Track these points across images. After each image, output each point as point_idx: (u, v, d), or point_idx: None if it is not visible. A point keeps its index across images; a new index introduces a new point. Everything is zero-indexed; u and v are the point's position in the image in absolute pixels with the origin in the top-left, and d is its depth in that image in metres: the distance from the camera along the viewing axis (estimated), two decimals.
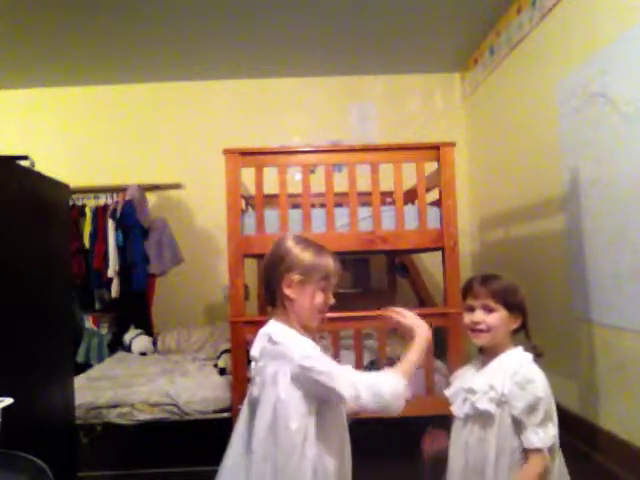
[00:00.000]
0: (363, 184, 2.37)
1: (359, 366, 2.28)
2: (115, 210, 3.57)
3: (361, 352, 2.28)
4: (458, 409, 1.27)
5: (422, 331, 1.19)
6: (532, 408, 1.14)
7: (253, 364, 1.18)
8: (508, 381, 1.17)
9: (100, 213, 3.60)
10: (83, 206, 3.64)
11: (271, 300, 1.19)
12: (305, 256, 1.16)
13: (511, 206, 3.29)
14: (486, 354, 1.30)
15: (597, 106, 2.26)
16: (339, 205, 2.46)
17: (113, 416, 2.42)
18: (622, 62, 2.09)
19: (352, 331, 2.32)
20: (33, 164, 1.96)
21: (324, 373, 1.06)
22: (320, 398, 1.09)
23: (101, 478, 2.32)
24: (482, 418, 1.21)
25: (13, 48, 3.42)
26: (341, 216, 2.35)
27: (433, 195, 2.48)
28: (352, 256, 3.96)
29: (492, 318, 1.24)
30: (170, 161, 4.10)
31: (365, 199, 2.43)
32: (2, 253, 1.62)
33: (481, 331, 1.25)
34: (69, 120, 4.12)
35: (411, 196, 2.57)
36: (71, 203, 3.41)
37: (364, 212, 2.36)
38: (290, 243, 1.19)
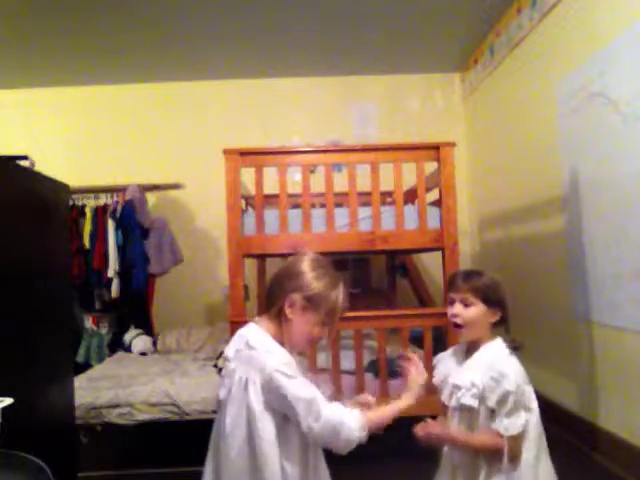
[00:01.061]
0: (363, 184, 2.37)
1: (359, 366, 2.28)
2: (115, 210, 3.57)
3: (361, 352, 2.28)
4: (447, 399, 1.32)
5: (413, 394, 1.21)
6: (502, 400, 1.19)
7: (225, 363, 1.17)
8: (485, 376, 1.22)
9: (100, 213, 3.60)
10: (83, 206, 3.64)
11: (268, 307, 1.18)
12: (317, 285, 1.13)
13: (511, 206, 3.29)
14: (468, 346, 1.35)
15: (597, 106, 2.26)
16: (339, 205, 2.46)
17: (113, 416, 2.42)
18: (622, 62, 2.09)
19: (352, 331, 2.32)
20: (33, 164, 1.96)
21: (290, 394, 1.04)
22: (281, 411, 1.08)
23: (101, 478, 2.32)
24: (467, 411, 1.26)
25: (13, 48, 3.42)
26: (341, 216, 2.35)
27: (433, 195, 2.48)
28: (352, 256, 3.96)
29: (469, 312, 1.29)
30: (170, 161, 4.10)
31: (365, 199, 2.43)
32: (2, 253, 1.62)
33: (458, 326, 1.30)
34: (69, 120, 4.13)
35: (411, 196, 2.57)
36: (71, 203, 3.41)
37: (364, 212, 2.36)
38: (306, 265, 1.15)
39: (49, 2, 2.86)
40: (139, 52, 3.60)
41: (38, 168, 1.96)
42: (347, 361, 2.31)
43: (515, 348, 1.30)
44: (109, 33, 3.27)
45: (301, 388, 1.05)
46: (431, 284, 3.75)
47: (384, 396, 2.26)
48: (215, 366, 2.85)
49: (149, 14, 3.05)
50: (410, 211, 2.38)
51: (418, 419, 1.34)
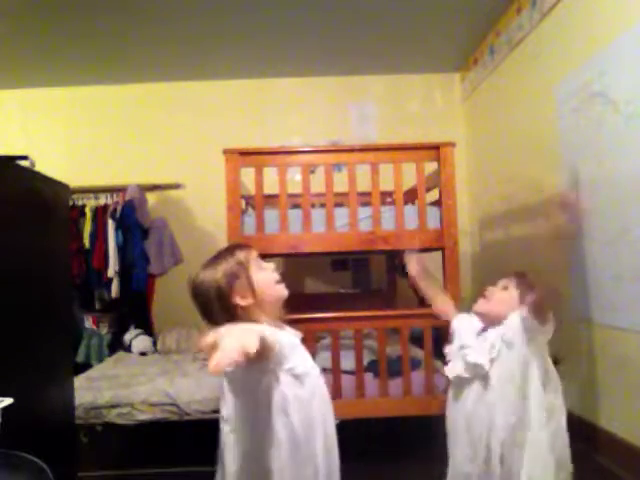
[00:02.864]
0: (363, 184, 2.37)
1: (359, 366, 2.28)
2: (115, 210, 3.57)
3: (361, 352, 2.28)
4: (452, 369, 1.35)
5: None
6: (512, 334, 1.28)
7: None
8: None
9: (100, 213, 3.60)
10: (83, 206, 3.64)
11: (213, 323, 1.17)
12: (221, 271, 1.15)
13: (511, 206, 3.29)
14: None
15: (597, 106, 2.26)
16: (339, 205, 2.46)
17: (113, 416, 2.42)
18: (622, 62, 2.09)
19: (352, 331, 2.32)
20: (33, 164, 1.96)
21: None
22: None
23: (101, 478, 2.31)
24: (477, 377, 1.28)
25: (13, 48, 3.42)
26: (341, 216, 2.35)
27: (433, 195, 2.47)
28: (352, 256, 3.96)
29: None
30: (170, 161, 4.09)
31: (365, 199, 2.42)
32: (2, 253, 1.62)
33: None
34: (69, 120, 4.12)
35: (411, 196, 2.57)
36: (71, 203, 3.41)
37: (364, 212, 2.36)
38: (202, 276, 1.17)
39: (49, 2, 2.86)
40: (139, 52, 3.60)
41: (38, 168, 1.96)
42: (347, 361, 2.31)
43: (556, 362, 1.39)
44: (109, 33, 3.27)
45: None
46: None
47: (384, 396, 2.27)
48: None
49: (149, 14, 3.05)
50: (410, 211, 2.38)
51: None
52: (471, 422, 1.29)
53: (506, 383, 1.25)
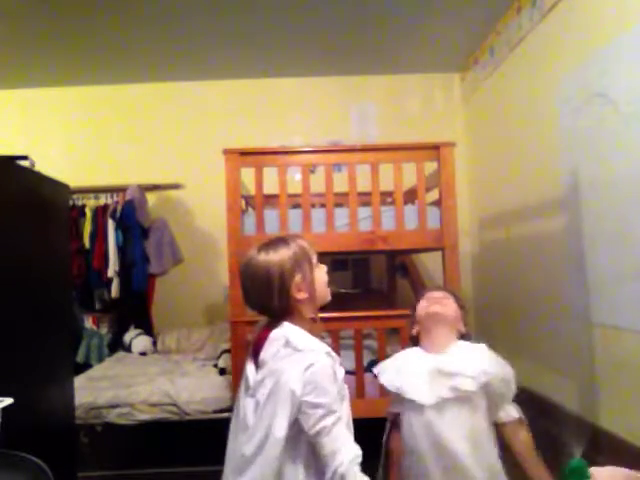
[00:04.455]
0: (363, 184, 2.37)
1: (359, 366, 2.28)
2: (115, 210, 3.57)
3: (361, 352, 2.28)
4: (428, 395, 1.27)
5: None
6: (508, 384, 1.27)
7: (253, 369, 1.14)
8: (485, 362, 1.28)
9: (100, 213, 3.60)
10: (83, 206, 3.64)
11: (271, 314, 1.15)
12: (284, 257, 1.12)
13: (511, 206, 3.29)
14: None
15: (597, 106, 2.26)
16: (339, 205, 2.46)
17: (113, 416, 2.42)
18: (622, 62, 2.09)
19: (352, 331, 2.32)
20: (33, 164, 1.96)
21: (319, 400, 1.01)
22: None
23: (101, 478, 2.32)
24: (458, 400, 1.26)
25: (13, 48, 3.42)
26: (341, 216, 2.35)
27: (433, 195, 2.47)
28: (352, 256, 3.96)
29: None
30: (170, 161, 4.09)
31: (365, 199, 2.43)
32: (2, 253, 1.62)
33: None
34: (69, 120, 4.12)
35: (411, 196, 2.57)
36: (71, 203, 3.41)
37: (364, 212, 2.36)
38: (264, 257, 1.12)
39: (49, 2, 2.86)
40: (139, 52, 3.60)
41: (38, 168, 1.96)
42: (347, 361, 2.31)
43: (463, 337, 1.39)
44: (109, 33, 3.27)
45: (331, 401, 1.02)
46: (431, 284, 3.75)
47: (384, 396, 2.26)
48: (215, 366, 2.85)
49: (149, 14, 3.05)
50: (410, 211, 2.38)
51: None
52: (441, 439, 1.27)
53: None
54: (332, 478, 0.98)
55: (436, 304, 1.40)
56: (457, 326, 1.40)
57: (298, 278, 1.11)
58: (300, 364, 1.04)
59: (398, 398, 1.35)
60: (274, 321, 1.14)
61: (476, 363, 1.26)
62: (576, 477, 0.87)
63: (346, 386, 1.12)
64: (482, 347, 1.34)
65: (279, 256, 1.12)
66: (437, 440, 1.26)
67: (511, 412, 1.29)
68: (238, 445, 1.08)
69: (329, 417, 1.00)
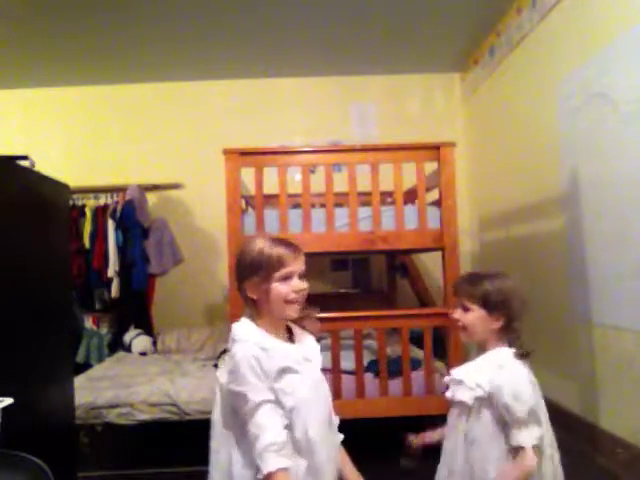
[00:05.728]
0: (363, 184, 2.37)
1: (359, 366, 2.28)
2: (115, 210, 3.57)
3: (361, 352, 2.28)
4: (449, 394, 1.32)
5: None
6: (508, 409, 1.15)
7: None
8: (491, 381, 1.19)
9: (100, 213, 3.60)
10: (83, 206, 3.64)
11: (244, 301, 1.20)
12: (251, 255, 1.14)
13: (511, 206, 3.29)
14: (478, 350, 1.33)
15: (597, 106, 2.26)
16: (339, 205, 2.46)
17: (113, 416, 2.42)
18: (622, 62, 2.09)
19: (352, 331, 2.32)
20: (33, 164, 1.96)
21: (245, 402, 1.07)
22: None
23: (101, 478, 2.31)
24: (460, 407, 1.26)
25: (13, 48, 3.42)
26: (341, 216, 2.35)
27: (433, 195, 2.47)
28: (352, 256, 3.96)
29: (467, 317, 1.28)
30: (170, 161, 4.10)
31: (365, 199, 2.42)
32: (2, 253, 1.62)
33: (460, 328, 1.31)
34: (69, 120, 4.12)
35: (411, 196, 2.57)
36: (71, 203, 3.41)
37: (364, 212, 2.36)
38: (241, 252, 1.17)
39: (49, 2, 2.86)
40: (139, 52, 3.60)
41: (38, 168, 1.96)
42: (347, 361, 2.31)
43: (522, 355, 1.24)
44: (109, 33, 3.27)
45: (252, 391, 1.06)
46: (431, 284, 3.75)
47: (384, 396, 2.27)
48: (215, 366, 2.85)
49: (148, 14, 3.05)
50: (410, 211, 2.38)
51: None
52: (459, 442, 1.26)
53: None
54: (256, 462, 1.04)
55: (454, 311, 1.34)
56: (481, 331, 1.28)
57: (254, 280, 1.13)
58: (229, 355, 1.11)
59: None
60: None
61: (481, 376, 1.22)
62: None
63: (303, 378, 1.12)
64: (508, 362, 1.23)
65: (249, 252, 1.15)
66: (450, 440, 1.29)
67: (514, 437, 1.15)
68: None
69: (249, 404, 1.05)
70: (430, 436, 1.35)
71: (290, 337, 1.21)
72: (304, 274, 1.17)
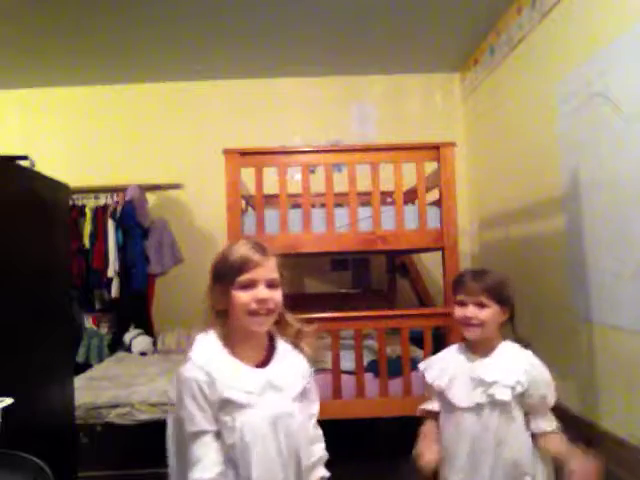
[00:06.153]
0: (363, 184, 2.37)
1: (359, 366, 2.28)
2: (115, 210, 3.57)
3: (361, 352, 2.28)
4: (465, 398, 1.26)
5: None
6: (544, 399, 1.22)
7: None
8: (526, 374, 1.23)
9: (100, 213, 3.61)
10: (83, 206, 3.64)
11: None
12: (217, 259, 1.09)
13: (511, 206, 3.29)
14: (475, 345, 1.32)
15: (597, 106, 2.26)
16: (339, 205, 2.46)
17: (113, 416, 2.42)
18: (622, 62, 2.09)
19: (352, 331, 2.32)
20: (33, 164, 1.96)
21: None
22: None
23: (101, 478, 2.31)
24: (497, 407, 1.23)
25: (13, 48, 3.42)
26: (341, 216, 2.35)
27: (433, 195, 2.47)
28: (352, 256, 3.96)
29: (485, 314, 1.27)
30: (170, 161, 4.10)
31: (365, 199, 2.43)
32: (2, 253, 1.62)
33: (474, 325, 1.28)
34: (69, 120, 4.12)
35: (411, 196, 2.57)
36: (71, 203, 3.41)
37: (364, 212, 2.36)
38: (219, 252, 1.12)
39: (49, 2, 2.86)
40: (139, 52, 3.60)
41: (38, 168, 1.96)
42: (347, 361, 2.31)
43: (527, 345, 1.29)
44: (109, 33, 3.27)
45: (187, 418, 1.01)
46: (431, 284, 3.75)
47: (384, 396, 2.27)
48: None
49: (149, 14, 3.05)
50: (410, 211, 2.38)
51: (420, 419, 1.34)
52: (477, 443, 1.25)
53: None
54: None
55: (466, 326, 1.30)
56: (493, 327, 1.29)
57: (218, 288, 1.08)
58: (177, 372, 1.05)
59: (440, 397, 1.34)
60: None
61: (515, 372, 1.23)
62: None
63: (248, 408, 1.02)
64: (528, 354, 1.28)
65: (217, 257, 1.10)
66: (471, 444, 1.25)
67: (540, 424, 1.22)
68: None
69: (187, 433, 1.01)
70: (435, 452, 1.29)
71: (267, 357, 1.09)
72: (276, 283, 1.06)
